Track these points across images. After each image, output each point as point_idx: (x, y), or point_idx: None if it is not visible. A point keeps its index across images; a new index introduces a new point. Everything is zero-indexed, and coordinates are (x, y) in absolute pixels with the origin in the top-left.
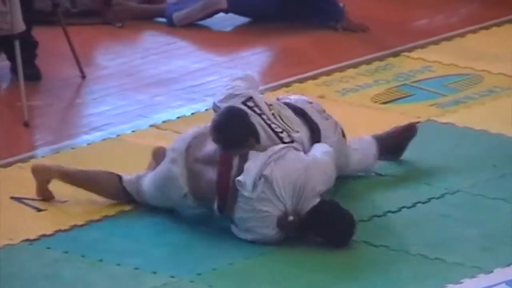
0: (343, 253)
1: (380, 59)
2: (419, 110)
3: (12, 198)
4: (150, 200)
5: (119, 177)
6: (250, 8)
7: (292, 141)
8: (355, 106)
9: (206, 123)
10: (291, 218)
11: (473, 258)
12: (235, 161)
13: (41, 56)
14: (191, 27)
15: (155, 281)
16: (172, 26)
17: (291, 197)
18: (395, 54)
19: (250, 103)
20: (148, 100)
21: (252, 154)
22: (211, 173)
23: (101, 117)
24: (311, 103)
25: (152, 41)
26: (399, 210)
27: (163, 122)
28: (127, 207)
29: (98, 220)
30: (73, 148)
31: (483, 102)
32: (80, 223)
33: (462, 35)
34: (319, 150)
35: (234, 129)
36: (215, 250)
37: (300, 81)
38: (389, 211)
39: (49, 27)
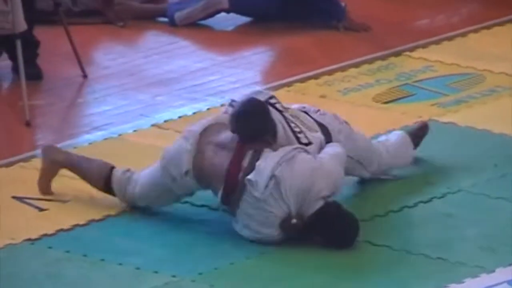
0: (344, 253)
1: (382, 58)
2: (421, 109)
3: (13, 197)
4: (142, 190)
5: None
6: (251, 8)
7: (309, 143)
8: (357, 106)
9: (226, 109)
10: (294, 221)
11: (475, 257)
12: (248, 155)
13: (42, 55)
14: (193, 26)
15: (156, 280)
16: (173, 25)
17: (296, 200)
18: (397, 54)
19: (272, 100)
20: (149, 100)
21: (265, 153)
22: (221, 158)
23: (103, 117)
24: (304, 107)
25: (154, 40)
26: (401, 209)
27: (165, 121)
28: (128, 207)
29: (99, 220)
30: (74, 148)
31: (484, 101)
32: (81, 222)
33: (463, 34)
34: (329, 152)
35: (253, 120)
36: (216, 249)
37: (302, 80)
38: (391, 211)
39: (51, 27)
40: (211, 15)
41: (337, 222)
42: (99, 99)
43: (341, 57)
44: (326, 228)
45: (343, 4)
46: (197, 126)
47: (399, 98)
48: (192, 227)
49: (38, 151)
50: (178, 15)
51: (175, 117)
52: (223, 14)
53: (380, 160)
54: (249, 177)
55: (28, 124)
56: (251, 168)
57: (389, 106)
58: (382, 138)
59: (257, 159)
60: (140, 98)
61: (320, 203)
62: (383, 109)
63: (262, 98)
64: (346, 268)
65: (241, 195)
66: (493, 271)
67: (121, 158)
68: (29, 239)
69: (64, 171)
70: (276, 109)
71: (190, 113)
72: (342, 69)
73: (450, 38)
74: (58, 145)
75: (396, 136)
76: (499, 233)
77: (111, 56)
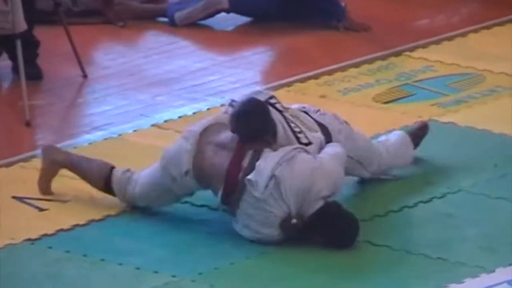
0: (344, 253)
1: (382, 58)
2: (421, 109)
3: (13, 197)
4: (142, 190)
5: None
6: (251, 7)
7: (309, 143)
8: (357, 106)
9: (226, 109)
10: (294, 221)
11: (475, 257)
12: (248, 155)
13: (42, 55)
14: (193, 26)
15: (156, 280)
16: (173, 25)
17: (296, 200)
18: (397, 54)
19: (272, 100)
20: (149, 100)
21: (265, 153)
22: (221, 158)
23: (103, 117)
24: (304, 107)
25: (154, 40)
26: (401, 209)
27: (165, 121)
28: (128, 207)
29: (99, 220)
30: (74, 148)
31: (484, 101)
32: (81, 222)
33: (463, 34)
34: (329, 152)
35: (253, 120)
36: (216, 249)
37: (302, 80)
38: (391, 211)
39: (51, 27)
40: (211, 15)
41: (337, 222)
42: (99, 99)
43: (341, 57)
44: (326, 228)
45: (343, 4)
46: (197, 126)
47: (399, 98)
48: (192, 227)
49: (38, 151)
50: (178, 15)
51: (175, 117)
52: (223, 14)
53: (380, 160)
54: (249, 177)
55: (28, 124)
56: (251, 168)
57: (389, 106)
58: (382, 138)
59: (257, 159)
60: (140, 98)
61: (320, 203)
62: (383, 109)
63: (262, 98)
64: (346, 268)
65: (241, 195)
66: (493, 271)
67: (121, 158)
68: (29, 239)
69: (64, 171)
70: (276, 109)
71: (190, 113)
72: (342, 69)
73: (450, 38)
74: (58, 145)
75: (396, 136)
76: (499, 233)
77: (111, 56)
